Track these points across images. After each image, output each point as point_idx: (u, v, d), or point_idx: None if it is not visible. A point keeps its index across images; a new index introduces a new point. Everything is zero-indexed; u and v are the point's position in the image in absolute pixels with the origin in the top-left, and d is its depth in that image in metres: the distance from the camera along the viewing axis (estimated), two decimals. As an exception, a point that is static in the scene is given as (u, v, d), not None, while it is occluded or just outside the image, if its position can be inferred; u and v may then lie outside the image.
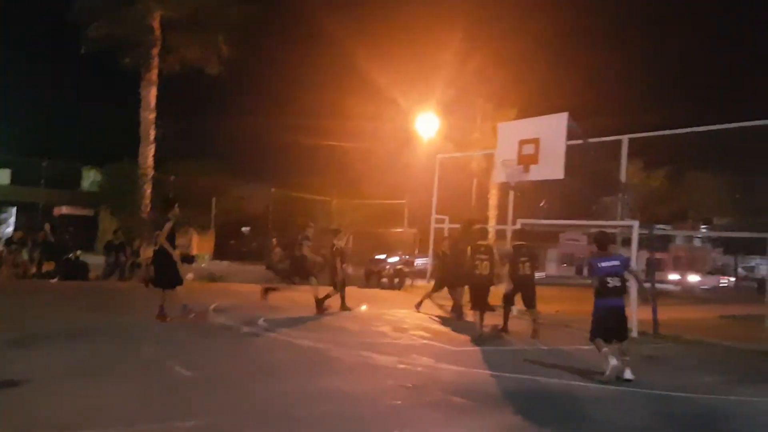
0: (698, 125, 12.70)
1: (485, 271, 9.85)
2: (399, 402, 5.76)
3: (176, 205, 9.56)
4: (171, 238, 9.30)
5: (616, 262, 7.62)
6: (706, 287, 40.62)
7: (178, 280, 9.37)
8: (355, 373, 6.83)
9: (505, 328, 10.55)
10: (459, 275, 11.50)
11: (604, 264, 7.56)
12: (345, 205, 29.64)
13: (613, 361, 7.12)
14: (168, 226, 9.20)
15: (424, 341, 9.44)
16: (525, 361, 8.40)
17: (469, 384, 6.73)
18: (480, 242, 10.32)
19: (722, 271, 47.21)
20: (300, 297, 12.52)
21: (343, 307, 12.14)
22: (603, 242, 7.98)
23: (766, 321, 11.23)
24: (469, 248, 10.17)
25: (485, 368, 7.71)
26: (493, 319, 10.49)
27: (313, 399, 5.61)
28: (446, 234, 15.85)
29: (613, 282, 7.41)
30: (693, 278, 42.67)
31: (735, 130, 12.03)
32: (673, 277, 42.34)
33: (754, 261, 47.36)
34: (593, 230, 16.55)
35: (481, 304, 9.98)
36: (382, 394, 6.03)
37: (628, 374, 7.11)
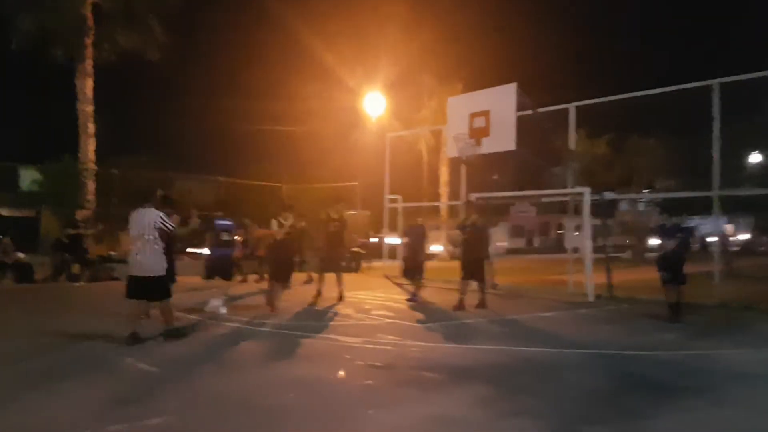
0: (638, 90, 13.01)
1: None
2: (371, 382, 5.73)
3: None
4: None
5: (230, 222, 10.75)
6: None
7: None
8: (323, 357, 6.75)
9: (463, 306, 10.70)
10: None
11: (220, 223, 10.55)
12: (296, 190, 29.22)
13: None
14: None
15: (388, 320, 9.45)
16: (486, 332, 8.54)
17: (438, 358, 6.75)
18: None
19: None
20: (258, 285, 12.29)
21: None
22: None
23: (714, 277, 11.59)
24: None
25: (451, 342, 7.78)
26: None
27: (286, 386, 5.52)
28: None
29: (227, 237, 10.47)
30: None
31: (671, 93, 12.37)
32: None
33: (694, 221, 48.69)
34: (545, 199, 16.85)
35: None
36: (352, 375, 5.99)
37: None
